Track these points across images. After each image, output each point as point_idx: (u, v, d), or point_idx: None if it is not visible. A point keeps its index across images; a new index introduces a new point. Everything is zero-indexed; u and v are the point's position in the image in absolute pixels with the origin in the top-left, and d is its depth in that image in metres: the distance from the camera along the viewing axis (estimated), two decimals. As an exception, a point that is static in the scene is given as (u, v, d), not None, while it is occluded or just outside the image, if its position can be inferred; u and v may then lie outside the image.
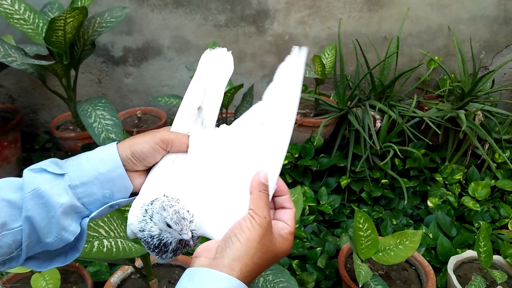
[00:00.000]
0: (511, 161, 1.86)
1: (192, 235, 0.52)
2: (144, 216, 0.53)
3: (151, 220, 0.52)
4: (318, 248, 1.57)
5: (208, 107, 0.63)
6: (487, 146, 1.88)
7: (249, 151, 0.56)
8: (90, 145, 1.93)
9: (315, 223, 1.71)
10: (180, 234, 0.51)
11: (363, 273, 1.20)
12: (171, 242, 0.53)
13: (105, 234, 0.97)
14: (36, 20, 1.75)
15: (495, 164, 1.88)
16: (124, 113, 2.24)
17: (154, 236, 0.53)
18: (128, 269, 1.35)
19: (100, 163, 0.55)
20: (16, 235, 0.52)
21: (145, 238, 0.54)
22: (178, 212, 0.51)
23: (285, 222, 0.55)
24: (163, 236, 0.53)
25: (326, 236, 1.64)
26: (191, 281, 0.47)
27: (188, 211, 0.52)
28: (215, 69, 0.63)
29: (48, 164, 0.55)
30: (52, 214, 0.52)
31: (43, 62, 1.63)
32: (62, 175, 0.54)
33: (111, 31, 2.08)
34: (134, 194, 0.59)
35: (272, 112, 0.58)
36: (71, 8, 1.54)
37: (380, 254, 1.29)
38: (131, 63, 2.24)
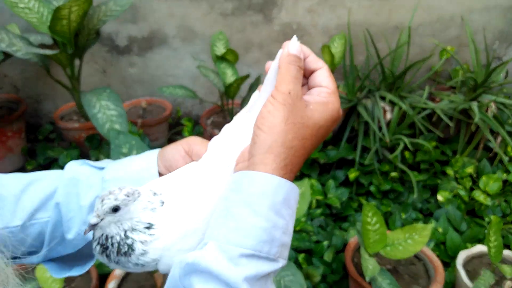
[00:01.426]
0: (524, 154, 1.82)
1: (130, 245, 0.46)
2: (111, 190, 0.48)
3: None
4: (325, 242, 1.55)
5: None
6: (499, 139, 1.83)
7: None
8: (94, 136, 1.92)
9: (322, 217, 1.69)
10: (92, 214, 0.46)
11: (370, 267, 1.18)
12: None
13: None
14: (41, 9, 1.73)
15: (507, 158, 1.84)
16: (129, 104, 2.22)
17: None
18: (132, 261, 1.34)
19: (138, 163, 0.55)
20: (43, 226, 0.52)
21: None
22: (105, 196, 0.45)
23: (319, 85, 0.48)
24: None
25: (333, 230, 1.62)
26: (231, 190, 0.44)
27: (115, 205, 0.44)
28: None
29: (97, 162, 0.56)
30: (80, 204, 0.52)
31: (48, 52, 1.62)
32: (101, 168, 0.55)
33: (115, 20, 2.05)
34: None
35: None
36: (75, -4, 1.52)
37: (389, 248, 1.27)
38: (136, 52, 2.22)
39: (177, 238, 0.47)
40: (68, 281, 1.35)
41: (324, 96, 0.47)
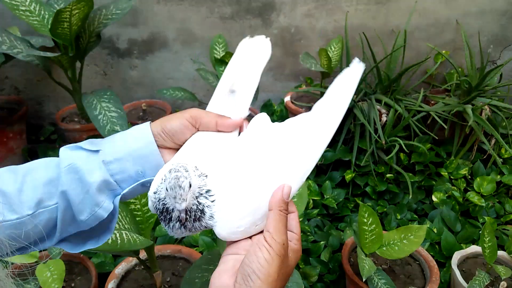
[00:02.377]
0: (518, 156, 1.85)
1: (202, 209, 0.50)
2: (164, 176, 0.51)
3: (164, 181, 0.51)
4: (321, 242, 1.57)
5: (242, 90, 0.63)
6: (493, 141, 1.86)
7: (286, 157, 0.55)
8: (95, 137, 1.93)
9: (319, 217, 1.71)
10: (174, 202, 0.49)
11: (367, 267, 1.20)
12: (172, 209, 0.51)
13: (109, 226, 0.97)
14: (42, 12, 1.75)
15: (501, 159, 1.86)
16: (129, 106, 2.24)
17: (160, 199, 0.51)
18: (132, 260, 1.36)
19: (134, 140, 0.56)
20: (52, 212, 0.53)
21: (154, 202, 0.52)
22: (178, 179, 0.49)
23: (291, 230, 0.53)
24: (165, 201, 0.51)
25: (330, 230, 1.64)
26: None
27: (189, 183, 0.49)
28: (252, 54, 0.64)
29: (84, 142, 0.57)
30: (86, 189, 0.53)
31: (49, 54, 1.64)
32: (97, 151, 0.55)
33: (116, 23, 2.07)
34: None
35: (312, 123, 0.57)
36: (77, 0, 1.54)
37: (384, 248, 1.29)
38: (136, 55, 2.24)
39: (232, 207, 0.51)
40: (68, 280, 1.36)
41: (295, 243, 0.53)
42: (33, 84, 2.29)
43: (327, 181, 1.79)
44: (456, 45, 2.21)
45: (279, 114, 2.25)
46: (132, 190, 0.56)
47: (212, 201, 0.51)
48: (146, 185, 0.57)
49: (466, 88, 1.91)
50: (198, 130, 0.59)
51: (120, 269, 1.32)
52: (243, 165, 0.54)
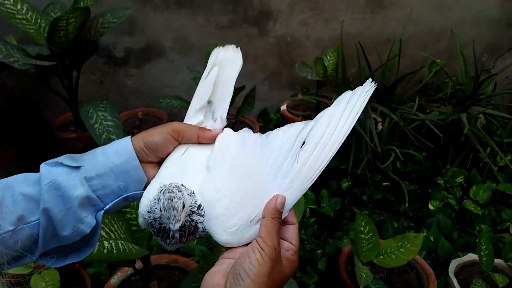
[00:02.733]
0: (513, 164, 1.86)
1: (195, 225, 0.52)
2: (157, 196, 0.53)
3: (158, 201, 0.52)
4: (319, 251, 1.57)
5: (218, 100, 0.65)
6: (488, 149, 1.87)
7: (278, 167, 0.56)
8: (91, 146, 1.93)
9: (316, 226, 1.71)
10: (168, 221, 0.51)
11: (364, 276, 1.20)
12: (169, 228, 0.52)
13: (105, 236, 0.97)
14: (38, 20, 1.75)
15: (496, 168, 1.87)
16: (125, 114, 2.24)
17: (156, 218, 0.53)
18: (128, 270, 1.34)
19: (115, 155, 0.56)
20: (33, 229, 0.52)
21: (150, 221, 0.54)
22: (171, 200, 0.50)
23: (290, 241, 0.54)
24: (162, 220, 0.52)
25: (327, 239, 1.64)
26: None
27: (183, 203, 0.51)
28: (224, 64, 0.66)
29: (64, 158, 0.57)
30: (68, 206, 0.53)
31: (45, 63, 1.63)
32: (78, 167, 0.55)
33: (113, 32, 2.08)
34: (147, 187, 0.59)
35: (316, 137, 0.57)
36: (74, 8, 1.54)
37: (381, 257, 1.29)
38: (133, 64, 2.24)
39: (221, 210, 0.53)
40: (63, 290, 1.35)
41: (292, 254, 0.53)
42: (29, 93, 2.29)
43: (323, 190, 1.79)
44: (451, 54, 2.23)
45: (275, 122, 2.25)
46: (114, 204, 0.57)
47: (203, 216, 0.53)
48: (128, 199, 0.58)
49: (461, 96, 1.93)
50: (180, 144, 0.60)
51: (116, 279, 1.31)
52: (225, 174, 0.56)
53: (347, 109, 0.59)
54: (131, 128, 2.11)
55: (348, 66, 2.12)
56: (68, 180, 0.54)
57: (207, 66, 0.66)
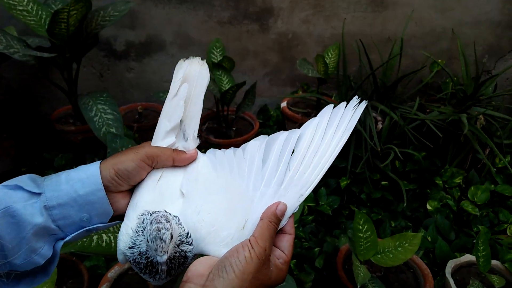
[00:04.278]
0: (512, 166, 1.86)
1: (184, 255, 0.51)
2: (138, 227, 0.50)
3: (142, 233, 0.50)
4: (316, 249, 1.57)
5: (187, 119, 0.62)
6: (487, 150, 1.87)
7: (269, 174, 0.56)
8: (90, 139, 1.92)
9: (314, 223, 1.71)
10: (155, 254, 0.48)
11: (361, 274, 1.20)
12: (156, 261, 0.50)
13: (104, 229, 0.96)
14: (39, 12, 1.74)
15: (495, 169, 1.87)
16: (125, 108, 2.23)
17: (142, 253, 0.50)
18: (125, 264, 1.34)
19: (80, 184, 0.52)
20: None
21: (134, 258, 0.51)
22: (159, 231, 0.48)
23: (282, 250, 0.54)
24: (148, 254, 0.50)
25: (324, 237, 1.64)
26: None
27: (171, 234, 0.49)
28: (191, 79, 0.62)
29: (25, 180, 0.52)
30: (23, 235, 0.50)
31: (45, 54, 1.62)
32: (39, 194, 0.51)
33: (114, 25, 2.07)
34: (115, 218, 0.56)
35: (304, 145, 0.58)
36: (75, 1, 1.53)
37: (379, 256, 1.29)
38: (133, 57, 2.24)
39: (207, 228, 0.52)
40: (59, 283, 1.35)
41: (281, 263, 0.52)
42: (29, 85, 2.28)
43: (322, 188, 1.79)
44: (451, 54, 2.23)
45: (275, 119, 2.25)
46: (75, 236, 0.54)
47: (191, 244, 0.51)
48: (91, 231, 0.55)
49: (461, 97, 1.93)
50: (153, 169, 0.58)
51: (113, 272, 1.31)
52: (212, 197, 0.55)
53: (333, 118, 0.60)
54: (130, 122, 2.10)
55: (349, 64, 2.12)
56: (25, 208, 0.50)
57: (173, 82, 0.62)
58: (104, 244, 0.92)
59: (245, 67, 2.22)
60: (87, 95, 1.73)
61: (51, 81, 1.86)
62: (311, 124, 0.59)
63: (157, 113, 2.24)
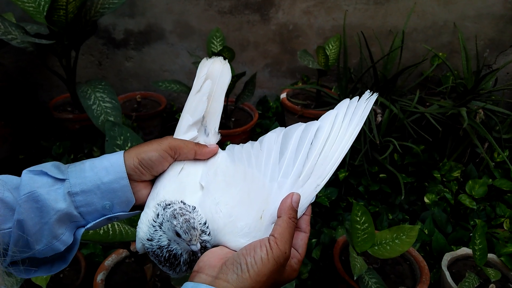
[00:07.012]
0: (510, 160, 1.86)
1: (204, 246, 0.51)
2: (154, 222, 0.51)
3: (160, 228, 0.51)
4: (313, 240, 1.57)
5: (210, 115, 0.64)
6: (486, 144, 1.87)
7: (286, 165, 0.56)
8: (88, 127, 1.92)
9: (311, 215, 1.71)
10: (189, 245, 0.49)
11: (358, 266, 1.20)
12: (181, 254, 0.51)
13: (101, 217, 0.96)
14: (38, -2, 1.72)
15: (493, 163, 1.88)
16: (124, 97, 2.22)
17: (163, 246, 0.51)
18: (122, 252, 1.34)
19: (104, 172, 0.53)
20: (5, 236, 0.50)
21: (153, 250, 0.52)
22: (189, 221, 0.49)
23: (297, 249, 0.53)
24: (172, 247, 0.51)
25: (322, 228, 1.64)
26: None
27: (200, 221, 0.50)
28: (214, 77, 0.65)
29: (50, 167, 0.53)
30: (45, 220, 0.50)
31: (44, 41, 1.61)
32: (63, 180, 0.52)
33: (113, 13, 2.05)
34: (136, 207, 0.57)
35: (323, 136, 0.58)
36: (74, -13, 1.52)
37: (376, 247, 1.29)
38: (132, 46, 2.22)
39: (225, 219, 0.53)
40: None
41: (295, 263, 0.52)
42: (27, 72, 2.26)
43: (320, 179, 1.79)
44: (453, 48, 2.22)
45: (275, 110, 2.24)
46: (96, 224, 0.54)
47: (209, 234, 0.52)
48: (112, 220, 0.55)
49: (461, 91, 1.92)
50: (175, 160, 0.59)
51: (110, 261, 1.31)
52: (231, 189, 0.55)
53: (349, 110, 0.60)
54: (129, 111, 2.09)
55: (349, 56, 2.11)
56: (49, 193, 0.50)
57: (197, 79, 0.65)
58: (101, 232, 0.92)
59: (245, 58, 2.20)
60: (85, 83, 1.72)
61: (49, 68, 1.85)
62: (329, 116, 0.60)
63: (156, 102, 2.23)
